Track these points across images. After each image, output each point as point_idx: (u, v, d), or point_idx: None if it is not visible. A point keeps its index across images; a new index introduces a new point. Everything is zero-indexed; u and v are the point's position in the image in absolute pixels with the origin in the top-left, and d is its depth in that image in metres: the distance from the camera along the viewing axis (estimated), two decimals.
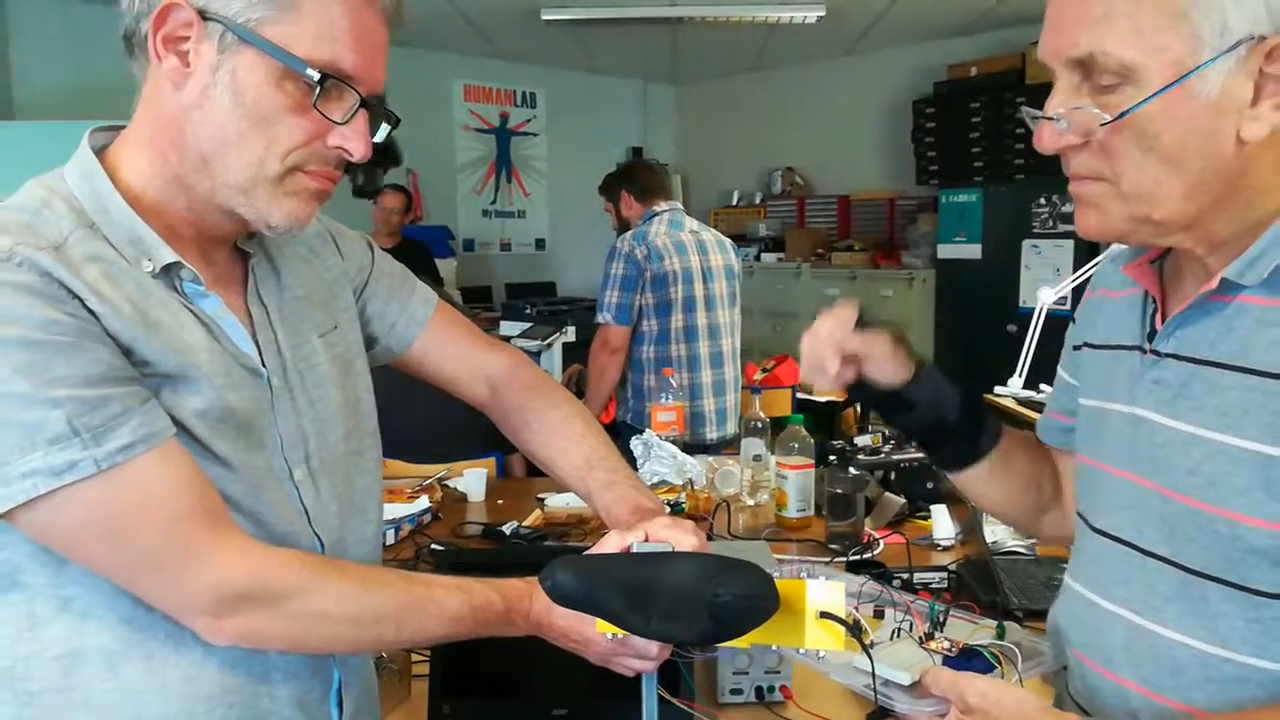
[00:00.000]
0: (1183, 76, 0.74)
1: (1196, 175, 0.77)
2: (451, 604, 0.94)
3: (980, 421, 1.08)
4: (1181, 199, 0.78)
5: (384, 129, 0.97)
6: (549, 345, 3.61)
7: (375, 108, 0.93)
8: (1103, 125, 0.77)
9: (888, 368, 1.03)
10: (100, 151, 0.92)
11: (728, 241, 3.50)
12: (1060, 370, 1.09)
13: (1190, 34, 0.73)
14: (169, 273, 0.90)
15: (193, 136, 0.87)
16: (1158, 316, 0.89)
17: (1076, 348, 1.03)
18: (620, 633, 0.92)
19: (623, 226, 3.44)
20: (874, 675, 0.87)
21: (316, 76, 0.85)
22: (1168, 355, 0.85)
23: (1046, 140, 0.82)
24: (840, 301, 1.05)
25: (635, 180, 3.43)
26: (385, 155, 1.37)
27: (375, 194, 1.33)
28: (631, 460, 2.30)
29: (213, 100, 0.86)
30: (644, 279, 3.22)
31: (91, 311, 0.82)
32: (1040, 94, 0.86)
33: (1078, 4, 0.77)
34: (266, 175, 0.88)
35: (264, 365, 0.96)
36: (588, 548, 1.01)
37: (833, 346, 1.01)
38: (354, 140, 0.90)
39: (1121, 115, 0.76)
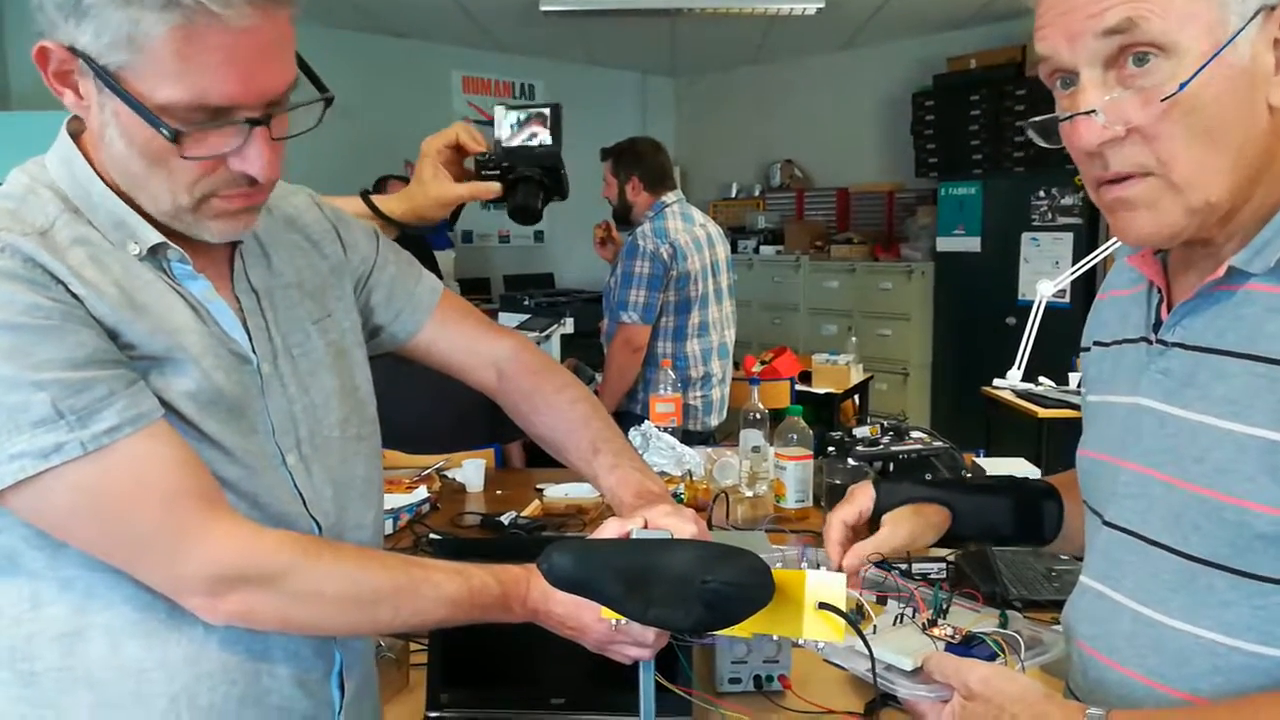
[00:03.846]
0: (1221, 47, 0.73)
1: (1239, 149, 0.76)
2: (449, 587, 0.94)
3: (1039, 514, 1.09)
4: (1228, 176, 0.76)
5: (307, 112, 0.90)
6: (547, 337, 3.59)
7: (279, 113, 0.85)
8: (1163, 100, 0.74)
9: (924, 536, 1.05)
10: (77, 138, 0.90)
11: (722, 232, 3.50)
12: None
13: (1218, 3, 0.73)
14: (156, 255, 0.89)
15: (110, 167, 0.87)
16: (1163, 307, 0.89)
17: (1085, 349, 1.03)
18: (622, 619, 0.92)
19: (623, 207, 3.37)
20: (873, 661, 0.87)
21: (169, 134, 0.80)
22: (1174, 345, 0.85)
23: (1089, 136, 0.77)
24: (857, 490, 1.09)
25: (647, 166, 3.33)
26: (556, 185, 1.40)
27: (534, 221, 1.33)
28: None
29: (110, 139, 0.84)
30: (669, 278, 3.18)
31: (75, 296, 0.81)
32: (1041, 86, 0.83)
33: None
34: (181, 206, 0.86)
35: (254, 351, 0.95)
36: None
37: (843, 536, 1.05)
38: (252, 163, 0.85)
39: (1182, 86, 0.73)
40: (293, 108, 0.88)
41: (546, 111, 1.37)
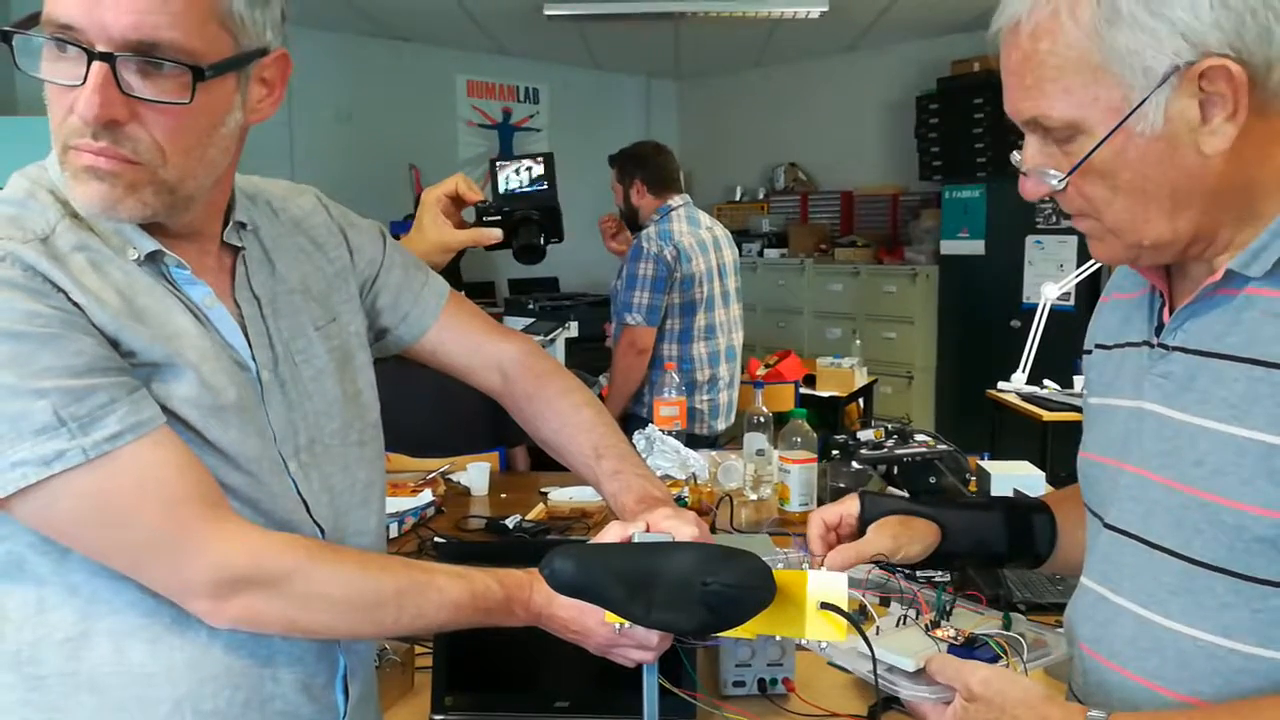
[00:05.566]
0: (1120, 122, 0.77)
1: (1170, 198, 0.80)
2: (452, 591, 0.94)
3: (1030, 529, 1.09)
4: (1165, 221, 0.81)
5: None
6: (552, 341, 3.59)
7: (130, 61, 0.80)
8: (1062, 180, 0.82)
9: (909, 546, 1.05)
10: None
11: (729, 235, 3.51)
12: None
13: (1115, 83, 0.77)
14: (155, 260, 0.89)
15: None
16: (1165, 311, 0.89)
17: (1088, 352, 1.03)
18: (626, 623, 0.92)
19: (629, 211, 3.39)
20: (875, 664, 0.87)
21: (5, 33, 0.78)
22: (1175, 348, 0.86)
23: (1029, 190, 0.86)
24: (845, 500, 1.11)
25: (650, 169, 3.33)
26: (554, 226, 1.46)
27: (536, 260, 1.39)
28: None
29: None
30: (673, 280, 3.18)
31: (76, 304, 0.82)
32: None
33: (1012, 75, 0.82)
34: (59, 159, 0.85)
35: (254, 359, 0.95)
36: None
37: (822, 531, 1.08)
38: (80, 98, 0.80)
39: (1073, 169, 0.80)
40: (157, 66, 0.81)
41: (540, 160, 1.45)
